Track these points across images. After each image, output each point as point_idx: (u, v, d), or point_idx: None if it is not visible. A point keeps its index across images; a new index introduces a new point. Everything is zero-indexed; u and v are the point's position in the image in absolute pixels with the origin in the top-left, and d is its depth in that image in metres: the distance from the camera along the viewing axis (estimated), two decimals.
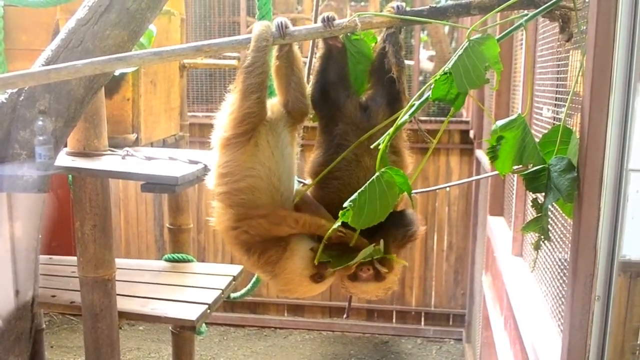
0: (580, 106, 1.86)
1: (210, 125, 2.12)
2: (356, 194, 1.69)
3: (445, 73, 1.64)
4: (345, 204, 1.69)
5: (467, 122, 7.16)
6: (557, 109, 2.74)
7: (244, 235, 2.00)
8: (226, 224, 2.04)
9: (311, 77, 2.22)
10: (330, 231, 1.82)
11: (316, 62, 2.19)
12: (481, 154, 5.95)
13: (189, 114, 5.88)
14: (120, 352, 4.08)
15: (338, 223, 1.75)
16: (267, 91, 2.05)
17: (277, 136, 2.08)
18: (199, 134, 6.66)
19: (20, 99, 2.60)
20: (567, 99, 2.11)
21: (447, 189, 7.31)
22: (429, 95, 1.68)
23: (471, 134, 6.81)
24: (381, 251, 1.95)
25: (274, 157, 2.05)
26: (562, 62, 2.70)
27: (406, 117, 1.72)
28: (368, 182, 1.71)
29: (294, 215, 1.98)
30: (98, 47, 2.49)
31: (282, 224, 1.97)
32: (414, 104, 1.73)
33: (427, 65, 8.26)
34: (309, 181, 2.15)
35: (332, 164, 2.00)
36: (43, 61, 2.52)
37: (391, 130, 1.74)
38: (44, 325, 5.96)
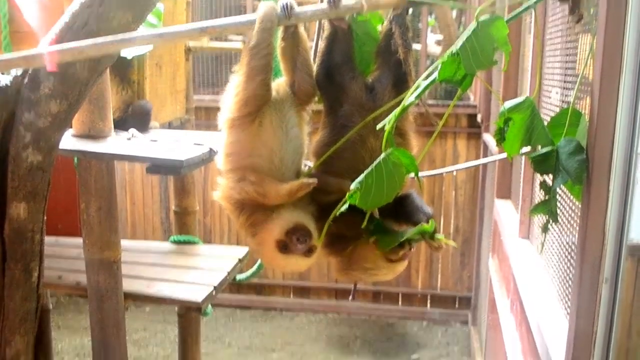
0: (589, 88, 1.84)
1: (217, 109, 2.12)
2: (363, 175, 1.68)
3: (453, 54, 1.62)
4: (352, 186, 1.68)
5: (474, 106, 7.12)
6: (566, 92, 2.71)
7: (236, 195, 1.99)
8: (225, 185, 2.04)
9: (316, 58, 2.20)
10: (335, 212, 1.81)
11: (321, 43, 2.16)
12: (488, 138, 5.92)
13: (195, 97, 5.86)
14: (127, 333, 4.10)
15: (346, 205, 1.74)
16: (272, 73, 2.04)
17: (282, 116, 2.06)
18: (205, 117, 6.66)
19: (25, 81, 2.58)
20: (575, 82, 2.09)
21: (454, 173, 7.29)
22: (435, 76, 1.66)
23: (478, 117, 6.78)
24: (431, 229, 1.97)
25: (277, 138, 2.03)
26: (572, 45, 2.67)
27: (412, 98, 1.70)
28: (374, 163, 1.69)
29: (277, 187, 1.96)
30: (102, 29, 2.46)
31: (266, 196, 1.96)
32: (420, 85, 1.71)
33: (435, 49, 8.20)
34: (312, 162, 2.14)
35: (336, 145, 1.99)
36: (47, 43, 2.50)
37: (397, 110, 1.72)
38: (51, 306, 5.99)
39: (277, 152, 2.03)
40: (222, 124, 2.09)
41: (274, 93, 2.06)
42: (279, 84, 2.13)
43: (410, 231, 1.95)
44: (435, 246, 2.00)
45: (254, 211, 2.00)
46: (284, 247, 1.95)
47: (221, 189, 2.07)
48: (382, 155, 1.71)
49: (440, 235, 2.01)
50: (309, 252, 1.97)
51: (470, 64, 1.61)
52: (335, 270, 2.11)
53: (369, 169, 1.69)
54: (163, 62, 4.57)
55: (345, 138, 1.99)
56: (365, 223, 1.87)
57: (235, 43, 5.61)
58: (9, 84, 2.56)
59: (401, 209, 2.07)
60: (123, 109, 4.16)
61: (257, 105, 2.01)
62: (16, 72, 2.57)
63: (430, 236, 1.99)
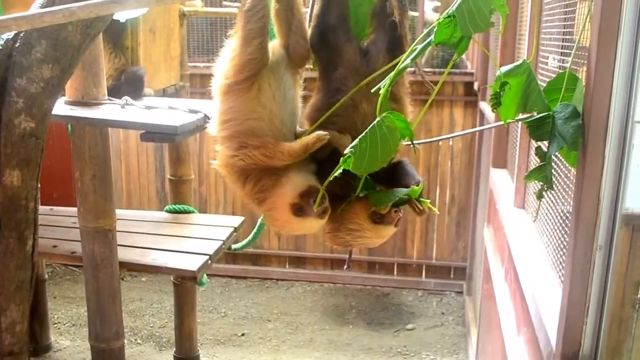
0: (586, 54, 1.82)
1: (212, 76, 2.09)
2: (357, 139, 1.66)
3: (449, 16, 1.59)
4: (346, 150, 1.66)
5: (471, 74, 7.07)
6: (564, 58, 2.69)
7: (240, 163, 1.96)
8: (224, 154, 2.01)
9: (311, 21, 2.17)
10: (330, 178, 1.79)
11: (316, 5, 2.14)
12: (485, 106, 5.89)
13: (190, 64, 5.82)
14: (122, 303, 4.11)
15: (339, 170, 1.72)
16: (268, 36, 2.02)
17: (279, 78, 2.04)
18: (199, 85, 6.60)
19: (16, 45, 2.56)
20: (573, 47, 2.06)
21: (450, 142, 7.27)
22: (431, 39, 1.64)
23: (475, 85, 6.74)
24: (418, 192, 1.95)
25: (276, 99, 2.01)
26: (570, 9, 2.64)
27: (408, 61, 1.68)
28: (369, 128, 1.67)
29: (285, 147, 1.93)
30: None
31: (274, 158, 1.93)
32: (416, 48, 1.69)
33: (432, 17, 8.12)
34: (306, 126, 2.12)
35: (331, 109, 1.96)
36: (39, 5, 2.47)
37: (392, 74, 1.70)
38: (47, 276, 6.04)
39: (277, 114, 2.00)
40: (216, 90, 2.06)
41: (270, 56, 2.04)
42: (274, 46, 2.11)
43: (399, 191, 1.94)
44: (420, 209, 1.98)
45: (260, 177, 1.97)
46: (299, 210, 1.92)
47: (220, 157, 2.04)
48: (377, 119, 1.69)
49: (425, 200, 1.99)
50: (323, 213, 1.94)
51: (467, 25, 1.58)
52: (323, 234, 2.09)
53: (363, 133, 1.67)
54: (157, 27, 4.53)
55: (339, 104, 1.96)
56: (359, 190, 1.86)
57: (230, 9, 5.55)
58: (0, 48, 2.54)
59: (392, 176, 2.06)
60: (115, 77, 4.14)
61: (255, 69, 1.97)
62: (7, 35, 2.54)
63: (416, 199, 1.97)
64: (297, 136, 2.05)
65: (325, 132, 1.91)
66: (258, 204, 2.00)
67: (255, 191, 1.98)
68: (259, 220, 5.01)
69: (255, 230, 5.09)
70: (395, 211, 1.96)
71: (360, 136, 1.66)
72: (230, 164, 2.00)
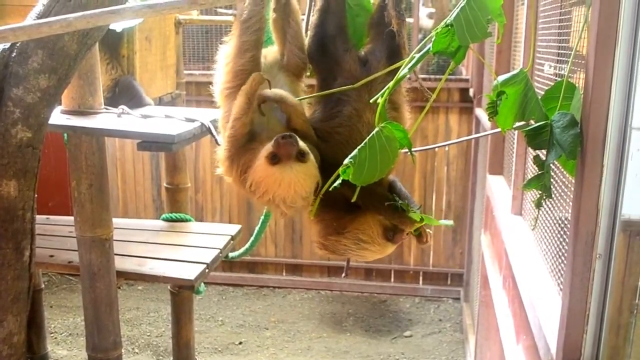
0: (583, 61, 1.82)
1: (208, 84, 2.13)
2: (356, 150, 1.66)
3: (447, 25, 1.59)
4: (346, 161, 1.66)
5: (466, 80, 7.09)
6: (560, 65, 2.70)
7: (226, 153, 1.97)
8: (221, 156, 2.03)
9: (309, 31, 2.18)
10: (326, 187, 1.79)
11: (314, 15, 2.15)
12: (481, 112, 5.90)
13: (185, 72, 5.81)
14: (119, 312, 4.09)
15: (339, 180, 1.71)
16: (261, 49, 2.06)
17: (271, 78, 2.05)
18: (195, 93, 6.60)
19: (13, 55, 2.56)
20: (569, 54, 2.07)
21: (446, 148, 7.28)
22: (429, 48, 1.64)
23: (471, 92, 6.75)
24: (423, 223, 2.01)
25: None
26: (566, 17, 2.65)
27: (406, 70, 1.68)
28: (368, 138, 1.67)
29: (236, 100, 1.94)
30: (91, 1, 2.44)
31: (234, 121, 1.93)
32: (414, 57, 1.69)
33: (427, 23, 8.15)
34: None
35: (327, 92, 2.01)
36: (35, 15, 2.47)
37: (391, 84, 1.70)
38: (43, 286, 6.00)
39: None
40: (218, 96, 2.11)
41: (262, 59, 2.07)
42: (269, 51, 2.14)
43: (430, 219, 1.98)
44: (427, 239, 2.08)
45: (241, 156, 1.95)
46: (273, 157, 1.83)
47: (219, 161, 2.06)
48: (376, 129, 1.69)
49: (427, 232, 2.06)
50: (301, 156, 1.85)
51: (464, 35, 1.59)
52: (319, 235, 2.05)
53: (362, 143, 1.67)
54: (153, 35, 4.52)
55: (321, 94, 2.03)
56: (355, 197, 1.86)
57: (225, 17, 5.56)
58: None
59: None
60: (111, 88, 4.13)
61: (246, 79, 1.99)
62: (4, 45, 2.54)
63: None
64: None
65: (260, 73, 1.93)
66: (246, 185, 1.93)
67: (240, 172, 1.95)
68: (257, 228, 5.00)
69: (252, 238, 5.08)
70: (408, 233, 1.98)
71: (359, 146, 1.66)
72: (223, 162, 2.01)
